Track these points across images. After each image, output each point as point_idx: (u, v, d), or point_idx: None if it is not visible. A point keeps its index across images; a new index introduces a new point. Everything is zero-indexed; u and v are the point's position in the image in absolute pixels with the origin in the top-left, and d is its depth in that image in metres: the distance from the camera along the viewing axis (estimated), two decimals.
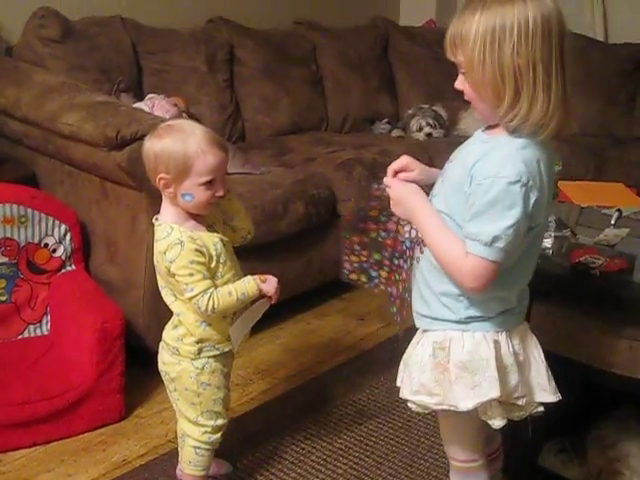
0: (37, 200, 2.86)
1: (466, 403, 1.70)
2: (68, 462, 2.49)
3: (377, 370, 3.08)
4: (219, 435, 2.20)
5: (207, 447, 2.19)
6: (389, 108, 4.86)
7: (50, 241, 2.88)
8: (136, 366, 2.71)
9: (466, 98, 1.66)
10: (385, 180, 1.81)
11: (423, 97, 4.80)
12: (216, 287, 2.00)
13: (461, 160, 1.68)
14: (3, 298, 2.85)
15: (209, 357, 2.10)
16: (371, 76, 4.81)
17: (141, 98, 3.63)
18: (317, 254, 3.53)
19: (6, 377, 2.58)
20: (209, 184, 1.97)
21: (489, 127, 1.68)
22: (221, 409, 2.18)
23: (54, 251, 2.90)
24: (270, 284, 2.06)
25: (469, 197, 1.60)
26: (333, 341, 3.37)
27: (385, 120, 4.70)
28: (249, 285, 2.03)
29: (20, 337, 2.88)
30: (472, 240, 1.58)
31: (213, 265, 2.03)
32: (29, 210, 2.82)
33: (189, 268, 1.96)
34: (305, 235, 3.41)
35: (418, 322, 1.82)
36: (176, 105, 3.59)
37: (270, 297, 2.08)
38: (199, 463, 2.22)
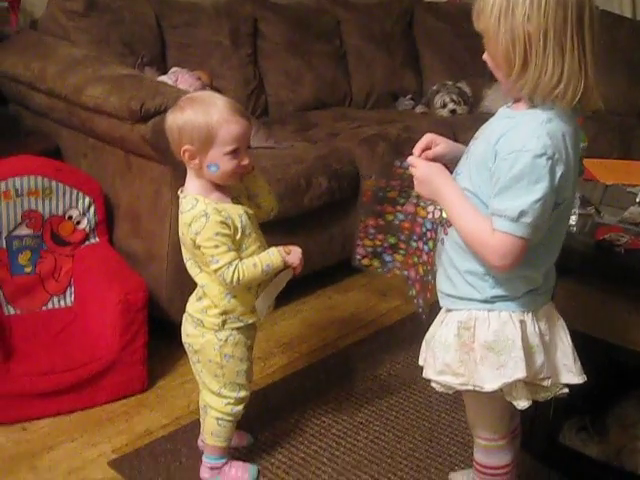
0: (61, 172, 2.88)
1: (491, 384, 1.70)
2: (91, 432, 2.52)
3: (398, 346, 3.08)
4: (241, 407, 2.22)
5: (229, 419, 2.21)
6: (413, 84, 4.83)
7: (74, 213, 2.90)
8: (159, 338, 2.73)
9: (492, 72, 1.64)
10: (410, 159, 1.78)
11: (447, 73, 4.76)
12: (241, 259, 2.01)
13: (485, 136, 1.67)
14: (28, 269, 2.87)
15: (233, 329, 2.12)
16: (395, 51, 4.77)
17: (165, 72, 3.64)
18: (340, 229, 3.53)
19: (31, 347, 2.61)
20: (234, 153, 1.97)
21: (514, 103, 1.66)
22: (244, 381, 2.20)
23: (78, 223, 2.92)
24: (294, 255, 2.08)
25: (494, 173, 1.59)
26: (355, 316, 3.37)
27: (409, 96, 4.67)
28: (274, 257, 2.04)
29: (44, 308, 2.91)
30: (498, 216, 1.57)
31: (238, 237, 2.03)
32: (53, 182, 2.84)
33: (214, 240, 1.97)
34: (328, 210, 3.40)
35: (442, 301, 1.81)
36: (200, 79, 3.59)
37: (294, 268, 2.09)
38: (221, 434, 2.23)
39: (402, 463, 2.41)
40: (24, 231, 2.83)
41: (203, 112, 1.95)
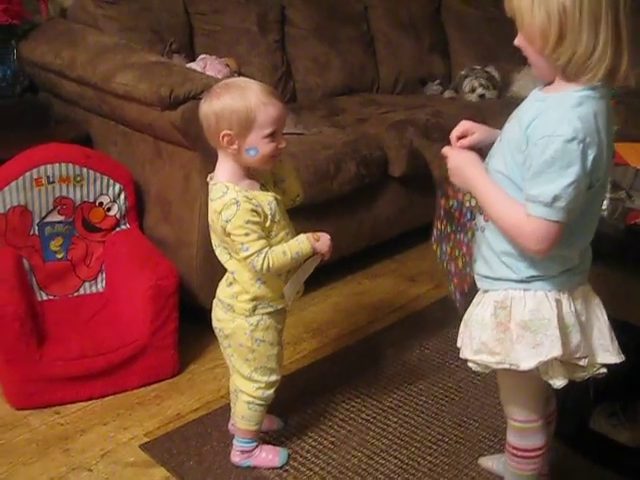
0: (92, 159, 2.90)
1: (528, 362, 1.70)
2: (123, 416, 2.55)
3: (428, 331, 3.08)
4: (272, 391, 2.23)
5: (260, 402, 2.23)
6: (441, 69, 4.80)
7: (105, 200, 2.93)
8: (189, 323, 2.76)
9: (525, 54, 1.64)
10: (443, 150, 1.79)
11: (476, 58, 4.72)
12: (270, 246, 2.02)
13: (517, 120, 1.67)
14: (59, 256, 2.91)
15: (263, 314, 2.13)
16: (423, 36, 4.74)
17: (193, 59, 3.65)
18: (369, 215, 3.53)
19: (63, 333, 2.64)
20: (272, 136, 1.99)
21: (545, 86, 1.66)
22: (275, 365, 2.21)
23: (109, 210, 2.95)
24: (323, 242, 2.08)
25: (526, 159, 1.59)
26: (384, 302, 3.38)
27: (437, 81, 4.64)
28: (303, 244, 2.05)
29: (76, 294, 2.94)
30: (533, 202, 1.58)
31: (268, 224, 2.04)
32: (84, 169, 2.87)
33: (245, 228, 1.97)
34: (357, 196, 3.40)
35: (479, 283, 1.83)
36: (228, 66, 3.60)
37: (323, 254, 2.10)
38: (252, 418, 2.25)
39: (432, 448, 2.42)
40: (56, 218, 2.86)
41: (240, 96, 1.96)
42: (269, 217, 2.04)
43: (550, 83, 1.64)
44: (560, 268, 1.70)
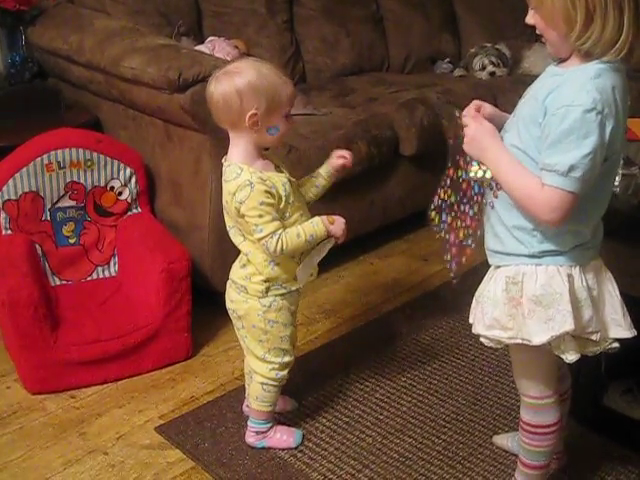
0: (102, 144, 2.91)
1: (540, 337, 1.71)
2: (138, 398, 2.56)
3: (441, 310, 3.08)
4: (286, 372, 2.24)
5: (274, 383, 2.23)
6: (451, 47, 4.77)
7: (116, 184, 2.93)
8: (202, 306, 2.76)
9: (538, 32, 1.64)
10: (464, 119, 1.76)
11: (486, 36, 4.69)
12: (285, 228, 2.02)
13: (533, 94, 1.67)
14: (72, 241, 2.92)
15: (276, 295, 2.13)
16: (432, 15, 4.71)
17: (201, 41, 3.64)
18: (380, 195, 3.52)
19: (77, 317, 2.65)
20: (289, 115, 2.01)
21: (560, 62, 1.66)
22: (288, 346, 2.22)
23: (120, 194, 2.95)
24: (338, 226, 2.07)
25: (544, 129, 1.59)
26: (396, 281, 3.38)
27: (447, 59, 4.61)
28: (317, 227, 2.04)
29: (89, 279, 2.96)
30: (548, 171, 1.57)
31: (282, 206, 2.03)
32: (95, 154, 2.87)
33: (259, 209, 1.97)
34: (368, 176, 3.39)
35: (491, 259, 1.83)
36: (237, 47, 3.59)
37: (337, 237, 2.09)
38: (266, 399, 2.26)
39: (446, 427, 2.42)
40: (67, 203, 2.87)
41: (261, 75, 1.96)
42: (283, 198, 2.03)
43: (564, 59, 1.64)
44: (572, 243, 1.70)
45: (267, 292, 2.12)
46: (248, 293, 2.14)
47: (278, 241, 1.99)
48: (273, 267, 2.10)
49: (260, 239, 2.00)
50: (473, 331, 1.85)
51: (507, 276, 1.75)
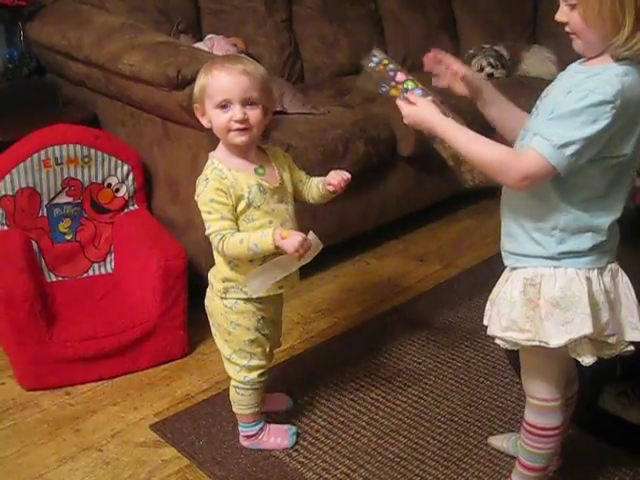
0: (100, 140, 2.90)
1: (557, 340, 1.71)
2: (133, 396, 2.56)
3: (436, 311, 3.09)
4: (255, 375, 2.18)
5: (245, 387, 2.20)
6: (449, 48, 4.75)
7: (113, 181, 2.93)
8: (198, 304, 2.72)
9: (569, 30, 1.63)
10: (398, 103, 1.81)
11: (484, 37, 4.68)
12: (236, 230, 1.97)
13: (557, 92, 1.67)
14: (68, 237, 2.91)
15: (237, 298, 2.09)
16: (431, 15, 4.70)
17: (200, 39, 3.64)
18: (377, 195, 3.52)
19: (73, 314, 2.65)
20: (222, 107, 1.94)
21: (586, 61, 1.67)
22: (255, 350, 2.16)
23: (117, 191, 2.95)
24: (290, 242, 1.90)
25: (556, 105, 1.60)
26: (392, 281, 3.38)
27: None
28: (265, 238, 1.93)
29: (85, 275, 2.95)
30: (542, 138, 1.58)
31: (241, 207, 1.99)
32: (92, 150, 2.87)
33: (208, 205, 1.96)
34: (365, 175, 3.38)
35: (506, 261, 1.83)
36: (235, 45, 3.59)
37: (297, 256, 1.94)
38: (242, 402, 2.24)
39: (441, 427, 2.42)
40: (64, 199, 2.87)
41: (204, 69, 1.98)
42: (244, 200, 1.98)
43: (592, 58, 1.64)
44: (591, 243, 1.70)
45: (226, 293, 2.09)
46: (214, 291, 2.13)
47: (220, 241, 1.95)
48: (231, 268, 2.06)
49: (207, 235, 1.99)
50: (488, 333, 1.84)
51: (525, 278, 1.75)
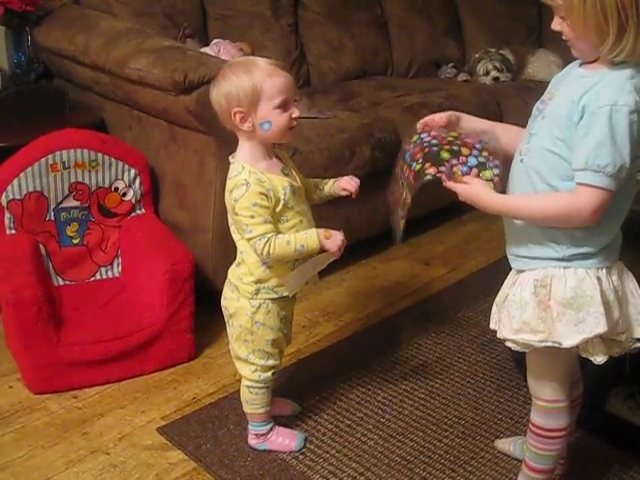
0: (107, 145, 2.91)
1: (570, 340, 1.71)
2: (140, 399, 2.56)
3: (443, 314, 3.09)
4: (270, 374, 2.22)
5: (259, 386, 2.22)
6: (455, 52, 4.78)
7: (120, 185, 2.94)
8: (205, 308, 2.76)
9: (564, 38, 1.65)
10: (449, 185, 1.79)
11: (490, 41, 4.69)
12: (277, 233, 2.01)
13: (565, 95, 1.67)
14: (76, 241, 2.92)
15: (266, 298, 2.12)
16: (437, 19, 4.71)
17: (206, 43, 3.65)
18: (383, 199, 3.45)
19: (80, 317, 2.66)
20: (283, 106, 1.98)
21: (586, 63, 1.68)
22: (272, 350, 2.19)
23: (124, 195, 2.96)
24: (334, 241, 2.02)
25: (581, 128, 1.60)
26: (399, 285, 3.38)
27: (451, 64, 4.62)
28: (310, 239, 2.01)
29: (92, 279, 2.96)
30: (594, 172, 1.58)
31: (279, 209, 2.03)
32: (99, 155, 2.88)
33: (251, 210, 1.97)
34: (371, 179, 3.36)
35: (514, 263, 1.83)
36: (242, 50, 3.60)
37: (332, 253, 2.05)
38: (255, 402, 2.26)
39: (448, 430, 2.42)
40: (72, 203, 2.88)
41: (245, 72, 1.96)
42: (281, 202, 2.03)
43: (591, 61, 1.66)
44: (601, 244, 1.71)
45: (256, 294, 2.11)
46: (239, 292, 2.14)
47: (266, 244, 1.98)
48: (265, 269, 2.09)
49: (249, 239, 2.00)
50: (498, 336, 1.85)
51: (535, 279, 1.75)
